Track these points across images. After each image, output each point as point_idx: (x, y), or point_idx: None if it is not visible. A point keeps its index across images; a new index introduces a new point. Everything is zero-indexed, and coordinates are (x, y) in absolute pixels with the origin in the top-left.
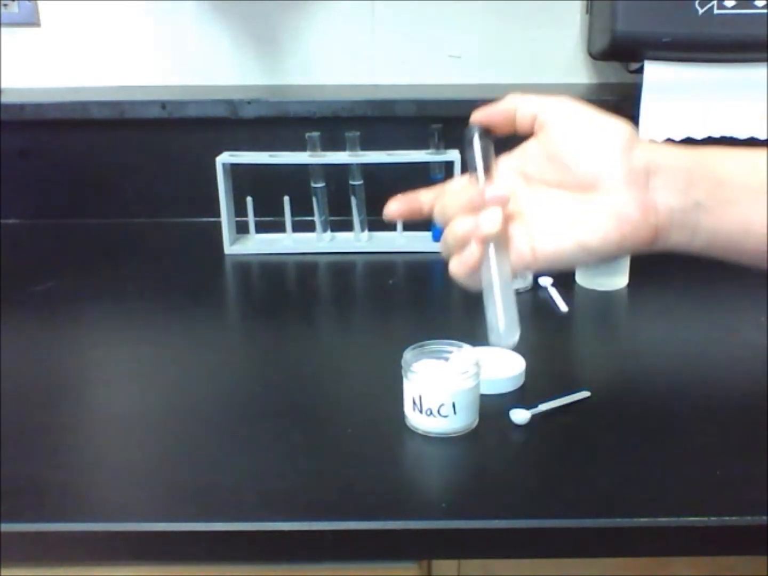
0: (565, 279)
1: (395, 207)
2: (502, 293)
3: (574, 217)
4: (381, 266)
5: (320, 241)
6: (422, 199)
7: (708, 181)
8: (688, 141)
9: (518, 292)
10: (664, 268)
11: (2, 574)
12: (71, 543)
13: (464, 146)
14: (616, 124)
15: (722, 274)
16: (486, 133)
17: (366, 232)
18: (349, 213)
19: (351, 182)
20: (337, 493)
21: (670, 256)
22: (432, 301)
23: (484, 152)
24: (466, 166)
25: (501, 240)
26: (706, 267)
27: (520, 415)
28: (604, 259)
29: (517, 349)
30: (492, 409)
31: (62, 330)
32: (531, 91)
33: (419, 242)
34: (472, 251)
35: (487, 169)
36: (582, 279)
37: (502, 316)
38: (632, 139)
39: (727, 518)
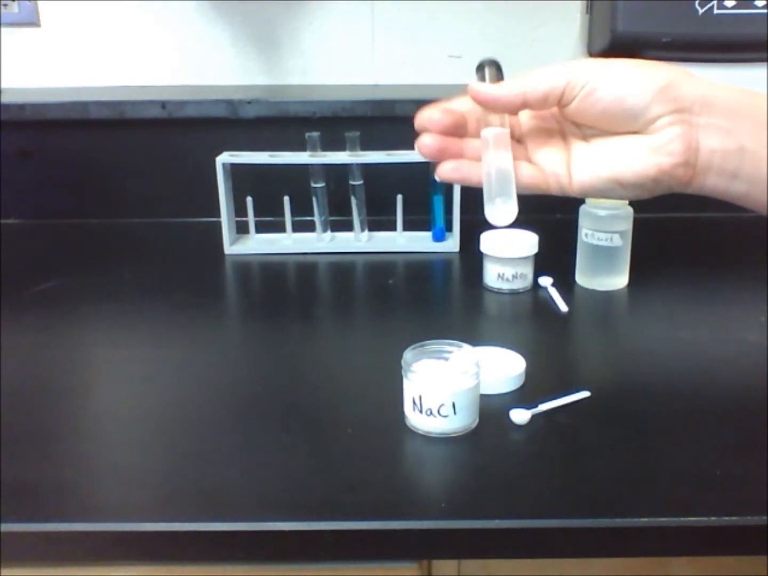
0: (565, 279)
1: (436, 117)
2: (499, 174)
3: (613, 150)
4: (381, 266)
5: (320, 241)
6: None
7: (755, 124)
8: None
9: (518, 292)
10: (665, 268)
11: (2, 574)
12: (71, 543)
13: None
14: (657, 65)
15: (722, 275)
16: (498, 67)
17: (366, 232)
18: (349, 213)
19: (351, 182)
20: (337, 493)
21: (670, 256)
22: (432, 301)
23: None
24: None
25: (502, 139)
26: (706, 267)
27: (520, 415)
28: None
29: (517, 349)
30: (492, 409)
31: (62, 330)
32: None
33: (419, 242)
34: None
35: None
36: (582, 279)
37: (496, 188)
38: (679, 76)
39: (727, 518)
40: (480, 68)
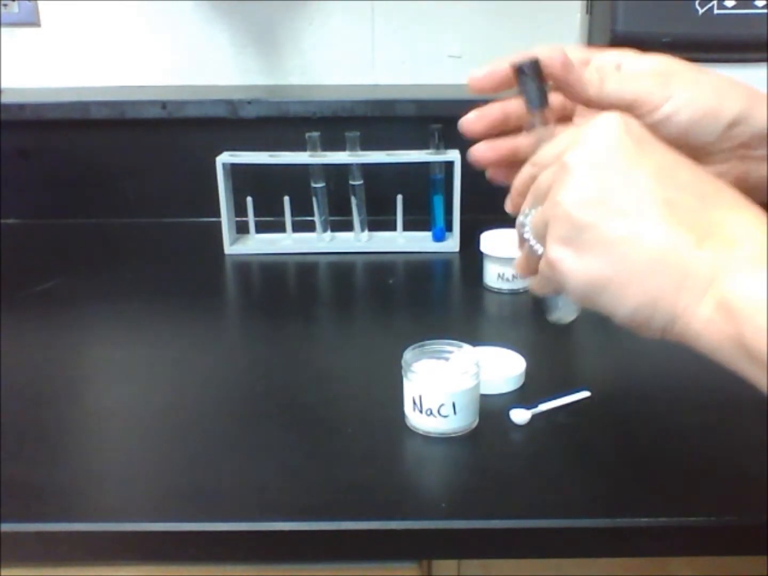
0: None
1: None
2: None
3: None
4: (381, 266)
5: (320, 241)
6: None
7: None
8: None
9: (518, 292)
10: None
11: (2, 574)
12: (71, 543)
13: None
14: (730, 88)
15: None
16: (538, 71)
17: (366, 232)
18: (349, 213)
19: (351, 182)
20: (337, 493)
21: None
22: (432, 301)
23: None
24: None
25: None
26: None
27: (520, 415)
28: None
29: (517, 349)
30: (492, 409)
31: (62, 330)
32: None
33: (419, 242)
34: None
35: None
36: None
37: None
38: (748, 105)
39: (727, 518)
40: (521, 76)
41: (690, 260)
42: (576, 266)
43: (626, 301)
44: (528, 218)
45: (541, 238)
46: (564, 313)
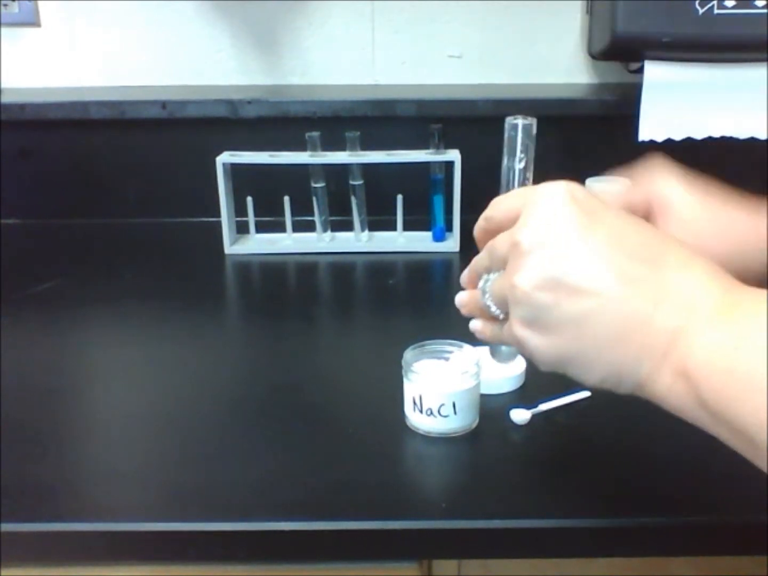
0: None
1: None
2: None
3: None
4: (381, 266)
5: (320, 241)
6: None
7: None
8: (688, 141)
9: None
10: None
11: (2, 574)
12: (71, 543)
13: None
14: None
15: None
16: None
17: (366, 232)
18: (349, 213)
19: (351, 182)
20: (337, 493)
21: None
22: (432, 301)
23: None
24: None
25: None
26: None
27: (520, 415)
28: None
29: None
30: (492, 409)
31: (62, 330)
32: (531, 90)
33: (419, 242)
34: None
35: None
36: None
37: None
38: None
39: (727, 518)
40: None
41: (647, 331)
42: (541, 344)
43: (592, 373)
44: (488, 284)
45: (501, 305)
46: (507, 356)
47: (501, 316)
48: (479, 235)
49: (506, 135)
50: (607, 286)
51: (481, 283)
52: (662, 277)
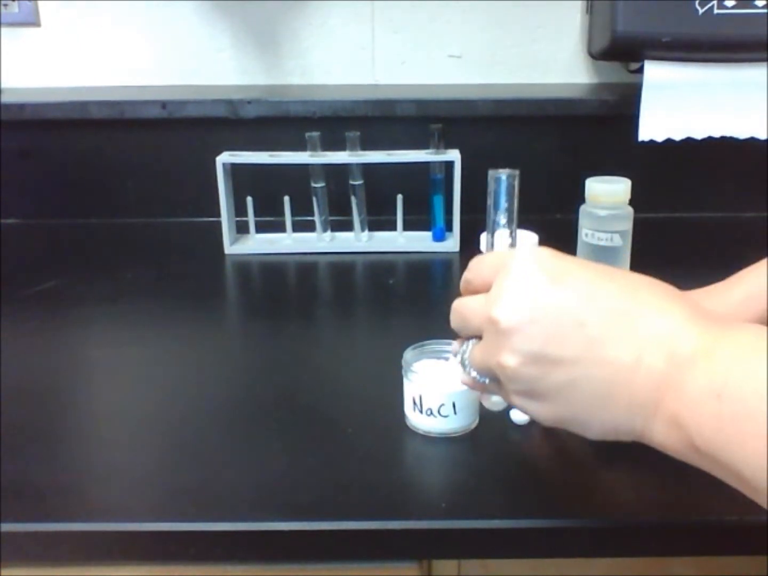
0: None
1: None
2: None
3: None
4: (381, 266)
5: (320, 241)
6: None
7: None
8: (688, 141)
9: None
10: (665, 268)
11: (2, 574)
12: (71, 543)
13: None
14: None
15: (723, 275)
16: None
17: (366, 232)
18: (349, 213)
19: (351, 182)
20: (337, 493)
21: (670, 256)
22: (432, 301)
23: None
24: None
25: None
26: (706, 267)
27: (520, 415)
28: None
29: None
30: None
31: (62, 330)
32: (531, 90)
33: (419, 242)
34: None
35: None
36: None
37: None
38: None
39: (727, 518)
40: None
41: (632, 388)
42: (537, 410)
43: (591, 431)
44: (466, 354)
45: (485, 373)
46: (498, 404)
47: (487, 381)
48: (463, 293)
49: (489, 188)
50: (584, 352)
51: (458, 358)
52: (638, 328)
